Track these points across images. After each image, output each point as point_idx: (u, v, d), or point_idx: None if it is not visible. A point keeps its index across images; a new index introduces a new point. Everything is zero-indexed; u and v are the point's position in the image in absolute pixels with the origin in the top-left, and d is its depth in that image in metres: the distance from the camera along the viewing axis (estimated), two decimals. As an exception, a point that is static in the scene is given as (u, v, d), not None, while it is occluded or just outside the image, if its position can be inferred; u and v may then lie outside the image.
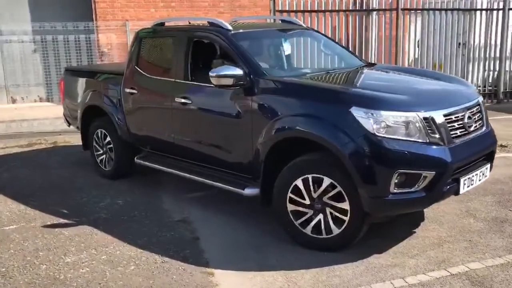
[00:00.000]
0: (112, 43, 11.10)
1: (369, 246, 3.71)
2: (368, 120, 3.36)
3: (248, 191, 4.15)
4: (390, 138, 3.34)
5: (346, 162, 3.40)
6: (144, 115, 5.17)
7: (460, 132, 3.57)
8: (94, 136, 5.89)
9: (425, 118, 3.40)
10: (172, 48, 4.86)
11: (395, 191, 3.36)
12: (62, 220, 4.56)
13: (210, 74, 4.03)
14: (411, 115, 3.38)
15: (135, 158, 5.38)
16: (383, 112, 3.38)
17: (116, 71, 5.74)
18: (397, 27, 9.99)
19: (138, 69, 5.21)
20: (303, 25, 5.28)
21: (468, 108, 3.74)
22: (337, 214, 3.61)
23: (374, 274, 3.38)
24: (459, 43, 10.81)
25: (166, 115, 4.81)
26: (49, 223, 4.51)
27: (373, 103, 3.44)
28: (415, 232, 4.01)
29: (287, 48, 4.80)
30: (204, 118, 4.47)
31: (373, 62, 9.18)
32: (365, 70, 4.61)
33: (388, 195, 3.35)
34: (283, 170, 3.76)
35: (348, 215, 3.55)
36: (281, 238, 3.94)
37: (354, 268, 3.47)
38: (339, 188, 3.54)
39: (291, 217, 3.80)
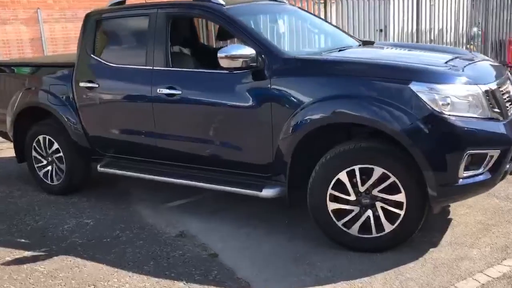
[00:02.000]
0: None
1: (416, 241, 3.29)
2: (432, 96, 2.92)
3: (266, 193, 3.53)
4: (457, 115, 2.94)
5: (410, 147, 2.94)
6: (109, 114, 4.27)
7: (509, 105, 3.29)
8: (34, 144, 4.80)
9: (486, 92, 3.06)
10: (146, 29, 4.02)
11: (464, 175, 2.97)
12: (26, 253, 3.56)
13: (219, 54, 3.35)
14: (474, 89, 3.02)
15: (98, 167, 4.45)
16: (448, 86, 2.97)
17: (61, 63, 4.71)
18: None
19: (97, 58, 4.28)
20: (285, 1, 4.72)
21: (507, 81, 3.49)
22: (390, 208, 3.14)
23: (447, 271, 2.97)
24: (378, 29, 10.97)
25: (144, 111, 3.98)
26: (9, 258, 3.48)
27: (435, 77, 3.02)
28: (451, 219, 3.68)
29: (281, 25, 4.23)
30: (201, 112, 3.74)
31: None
32: (378, 47, 4.21)
33: (458, 180, 2.96)
34: (321, 163, 3.20)
35: (404, 208, 3.10)
36: (318, 243, 3.39)
37: (421, 267, 3.03)
38: (392, 179, 3.07)
39: (333, 217, 3.26)
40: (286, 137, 3.33)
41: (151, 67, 3.93)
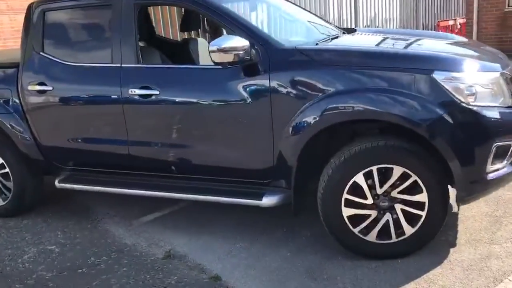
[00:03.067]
0: None
1: (432, 242, 3.03)
2: (456, 86, 2.68)
3: (268, 201, 3.15)
4: (483, 105, 2.71)
5: (437, 142, 2.68)
6: (68, 121, 3.66)
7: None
8: (-30, 160, 4.06)
9: (505, 79, 2.86)
10: (109, 21, 3.45)
11: (491, 169, 2.77)
12: (-16, 299, 2.93)
13: (211, 48, 2.90)
14: (496, 77, 2.81)
15: (57, 182, 3.83)
16: (472, 75, 2.73)
17: (2, 63, 4.00)
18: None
19: (49, 56, 3.65)
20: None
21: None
22: (411, 210, 2.88)
23: (479, 274, 2.76)
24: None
25: (112, 116, 3.44)
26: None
27: (458, 65, 2.77)
28: (455, 213, 3.50)
29: (261, 13, 3.83)
30: (186, 114, 3.26)
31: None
32: (371, 34, 3.92)
33: (486, 175, 2.75)
34: (336, 165, 2.87)
35: (426, 208, 2.85)
36: (330, 253, 3.08)
37: (451, 272, 2.80)
38: (413, 178, 2.81)
39: (348, 224, 2.94)
40: (291, 137, 2.97)
41: (119, 65, 3.38)
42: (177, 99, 3.23)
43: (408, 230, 2.91)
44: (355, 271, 2.88)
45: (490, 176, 2.76)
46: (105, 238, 3.58)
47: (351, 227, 2.95)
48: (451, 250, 3.03)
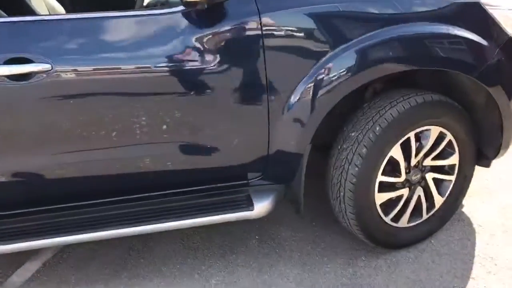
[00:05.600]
0: None
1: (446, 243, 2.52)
2: (505, 13, 2.11)
3: (262, 207, 2.14)
4: None
5: (494, 89, 2.11)
6: None
7: None
8: None
9: None
10: None
11: None
12: None
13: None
14: None
15: None
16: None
17: None
18: None
19: None
20: None
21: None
22: (442, 177, 2.32)
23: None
24: None
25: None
26: None
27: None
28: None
29: None
30: (120, 98, 1.88)
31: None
32: None
33: None
34: (367, 142, 2.04)
35: (455, 171, 2.33)
36: (347, 256, 2.31)
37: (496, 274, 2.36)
38: (448, 138, 2.23)
39: (381, 214, 2.21)
40: (300, 110, 1.98)
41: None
42: (95, 76, 1.82)
43: (438, 201, 2.36)
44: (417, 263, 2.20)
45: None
46: None
47: (383, 216, 2.22)
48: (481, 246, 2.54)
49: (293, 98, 1.96)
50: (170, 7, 1.85)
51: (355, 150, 2.06)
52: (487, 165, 2.41)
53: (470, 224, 2.49)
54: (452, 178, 2.33)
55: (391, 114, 2.05)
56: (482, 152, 2.38)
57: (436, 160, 2.26)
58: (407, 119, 2.07)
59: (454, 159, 2.28)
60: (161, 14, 1.85)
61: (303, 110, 1.97)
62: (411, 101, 2.07)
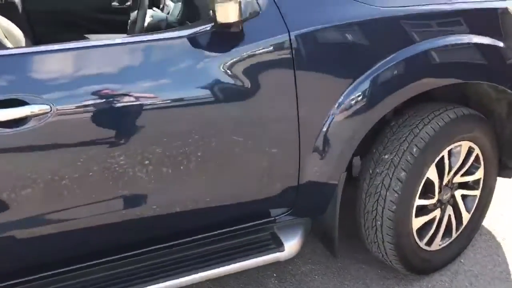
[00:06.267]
0: None
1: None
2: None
3: (292, 247, 1.92)
4: None
5: None
6: None
7: None
8: None
9: None
10: None
11: None
12: None
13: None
14: None
15: None
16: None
17: None
18: None
19: None
20: None
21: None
22: (469, 193, 2.21)
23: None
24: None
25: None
26: None
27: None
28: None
29: None
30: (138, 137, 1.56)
31: None
32: None
33: None
34: (406, 165, 1.87)
35: (480, 185, 2.23)
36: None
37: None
38: (475, 152, 2.12)
39: (416, 239, 2.06)
40: (334, 136, 1.77)
41: None
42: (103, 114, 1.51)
43: (466, 217, 2.24)
44: None
45: None
46: None
47: (418, 241, 2.07)
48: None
49: (327, 123, 1.75)
50: (184, 29, 1.58)
51: (392, 175, 1.89)
52: (508, 175, 2.33)
53: (493, 238, 2.40)
54: (478, 192, 2.23)
55: (426, 132, 1.89)
56: (502, 162, 2.30)
57: (465, 176, 2.14)
58: (443, 136, 1.93)
59: (480, 173, 2.18)
60: (177, 37, 1.58)
61: (338, 136, 1.77)
62: (444, 117, 1.93)
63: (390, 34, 1.74)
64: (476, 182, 2.20)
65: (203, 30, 1.56)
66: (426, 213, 2.05)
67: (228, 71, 1.57)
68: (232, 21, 1.43)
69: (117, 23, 2.96)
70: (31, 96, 1.43)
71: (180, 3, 2.11)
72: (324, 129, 1.74)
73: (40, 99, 1.43)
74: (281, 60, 1.63)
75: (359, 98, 1.73)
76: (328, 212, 1.92)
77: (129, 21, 2.12)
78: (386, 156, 1.91)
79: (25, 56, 1.48)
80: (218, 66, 1.56)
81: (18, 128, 1.41)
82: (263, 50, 1.61)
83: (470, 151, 2.09)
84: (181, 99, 1.55)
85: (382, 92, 1.75)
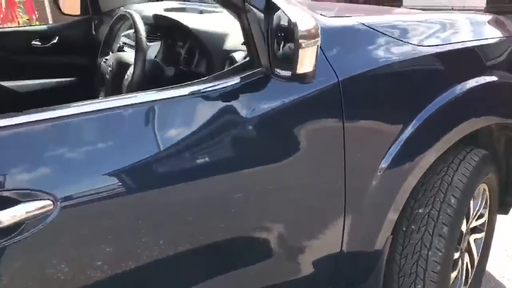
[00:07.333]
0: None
1: None
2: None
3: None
4: None
5: None
6: None
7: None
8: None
9: None
10: None
11: None
12: None
13: (303, 26, 1.07)
14: None
15: None
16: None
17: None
18: None
19: None
20: None
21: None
22: (479, 236, 2.12)
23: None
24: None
25: None
26: None
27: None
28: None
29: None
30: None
31: None
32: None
33: None
34: (454, 212, 1.69)
35: (485, 226, 2.15)
36: None
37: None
38: (486, 192, 2.04)
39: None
40: (383, 194, 1.53)
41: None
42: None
43: (476, 260, 2.13)
44: None
45: None
46: None
47: (449, 295, 1.89)
48: None
49: (376, 177, 1.49)
50: (227, 78, 1.22)
51: (433, 231, 1.68)
52: (505, 211, 2.28)
53: (498, 284, 2.31)
54: (483, 234, 2.13)
55: (459, 180, 1.73)
56: (501, 199, 2.24)
57: (478, 220, 2.03)
58: (473, 182, 1.79)
59: (486, 214, 2.08)
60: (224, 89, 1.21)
61: (386, 191, 1.52)
62: (469, 161, 1.80)
63: (438, 72, 1.56)
64: (483, 223, 2.10)
65: (253, 78, 1.22)
66: (455, 267, 1.88)
67: (276, 125, 1.25)
68: (312, 69, 1.10)
69: (37, 66, 2.44)
70: (23, 191, 0.96)
71: (158, 44, 1.72)
72: (374, 183, 1.48)
73: (36, 192, 0.96)
74: (330, 108, 1.36)
75: (409, 146, 1.51)
76: (369, 281, 1.64)
77: (103, 65, 1.66)
78: (421, 210, 1.70)
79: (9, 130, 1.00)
80: (266, 120, 1.23)
81: (11, 238, 0.93)
82: (313, 99, 1.31)
83: (483, 193, 1.98)
84: (234, 166, 1.18)
85: (432, 137, 1.56)
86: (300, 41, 1.02)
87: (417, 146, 1.52)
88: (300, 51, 1.05)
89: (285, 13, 1.05)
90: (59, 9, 2.69)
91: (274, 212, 1.34)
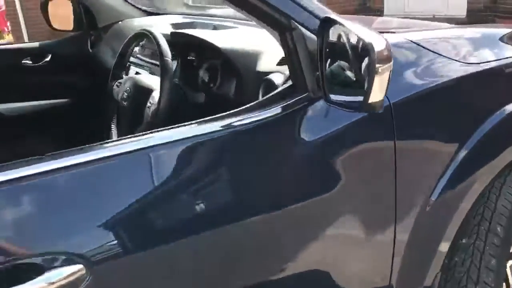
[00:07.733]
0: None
1: None
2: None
3: None
4: None
5: None
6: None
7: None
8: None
9: None
10: None
11: None
12: None
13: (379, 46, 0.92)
14: None
15: None
16: None
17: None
18: None
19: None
20: None
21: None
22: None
23: None
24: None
25: None
26: None
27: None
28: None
29: None
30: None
31: None
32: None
33: None
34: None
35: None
36: None
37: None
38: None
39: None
40: (432, 229, 1.40)
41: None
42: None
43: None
44: None
45: None
46: None
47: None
48: None
49: (428, 205, 1.35)
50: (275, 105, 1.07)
51: (480, 264, 1.54)
52: None
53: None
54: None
55: (503, 206, 1.60)
56: None
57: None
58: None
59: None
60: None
61: (437, 222, 1.39)
62: (510, 184, 1.66)
63: (490, 90, 1.44)
64: None
65: (299, 106, 1.07)
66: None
67: (328, 155, 1.11)
68: (382, 98, 0.95)
69: (28, 87, 2.24)
70: (48, 256, 0.78)
71: (174, 63, 1.55)
72: (426, 211, 1.34)
73: (64, 258, 0.79)
74: (382, 134, 1.22)
75: (463, 170, 1.38)
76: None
77: (116, 89, 1.48)
78: (464, 241, 1.56)
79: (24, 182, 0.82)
80: (319, 151, 1.09)
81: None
82: (364, 125, 1.17)
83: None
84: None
85: (486, 159, 1.44)
86: (377, 66, 0.87)
87: (471, 169, 1.40)
88: (376, 78, 0.89)
89: (353, 32, 0.90)
90: (49, 24, 2.49)
91: (324, 245, 1.22)
